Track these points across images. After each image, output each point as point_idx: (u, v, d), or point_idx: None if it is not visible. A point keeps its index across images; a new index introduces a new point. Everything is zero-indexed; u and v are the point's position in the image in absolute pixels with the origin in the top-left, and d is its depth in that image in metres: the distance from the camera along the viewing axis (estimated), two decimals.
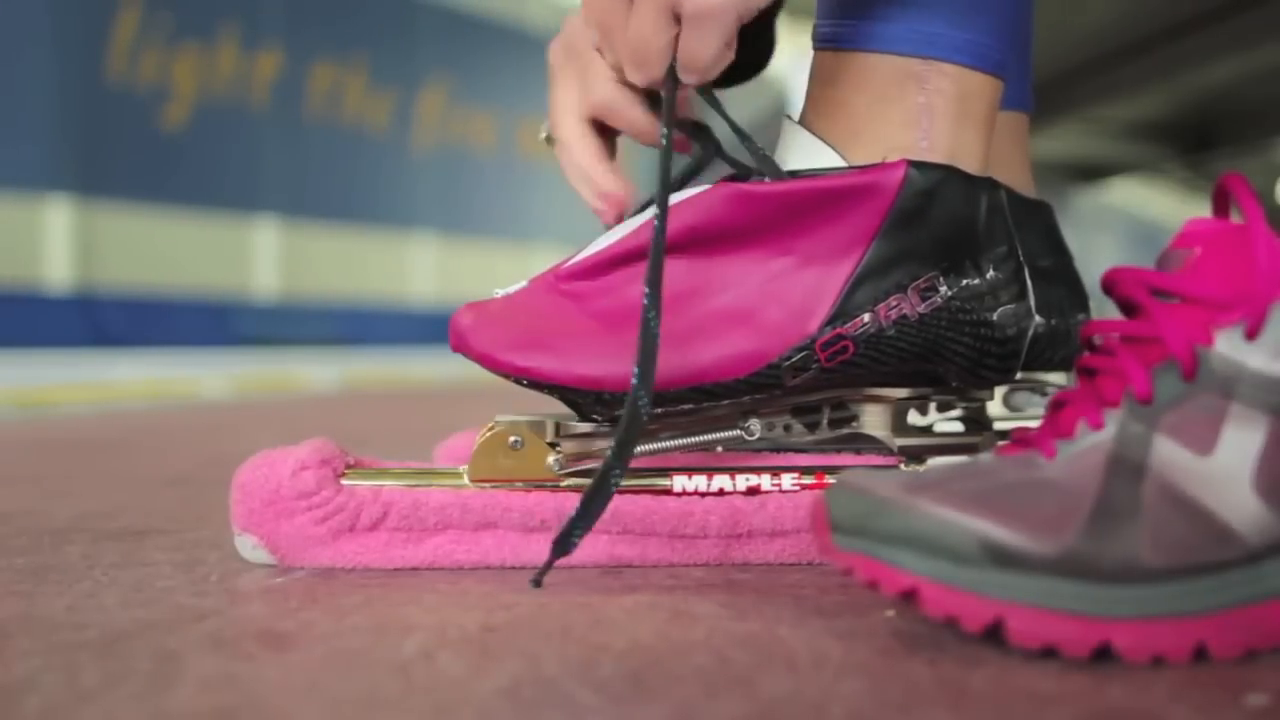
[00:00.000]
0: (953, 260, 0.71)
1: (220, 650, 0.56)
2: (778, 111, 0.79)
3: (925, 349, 0.71)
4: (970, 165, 0.71)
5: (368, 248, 9.98)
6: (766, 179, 0.71)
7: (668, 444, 0.75)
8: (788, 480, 0.75)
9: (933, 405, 0.83)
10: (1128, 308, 0.60)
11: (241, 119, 8.91)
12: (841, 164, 0.71)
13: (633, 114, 0.79)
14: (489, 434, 0.75)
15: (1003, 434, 0.83)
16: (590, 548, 0.74)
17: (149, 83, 8.25)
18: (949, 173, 0.70)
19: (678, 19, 0.65)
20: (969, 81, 0.71)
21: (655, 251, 0.65)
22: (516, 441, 0.75)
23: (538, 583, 0.67)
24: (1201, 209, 0.71)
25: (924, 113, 0.71)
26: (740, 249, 0.71)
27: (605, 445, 0.75)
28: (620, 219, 0.80)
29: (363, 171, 9.97)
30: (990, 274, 0.72)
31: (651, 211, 0.72)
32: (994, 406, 0.88)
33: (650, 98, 0.78)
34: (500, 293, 0.75)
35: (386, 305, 10.00)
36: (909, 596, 0.53)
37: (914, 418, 0.83)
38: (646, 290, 0.64)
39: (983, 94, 0.72)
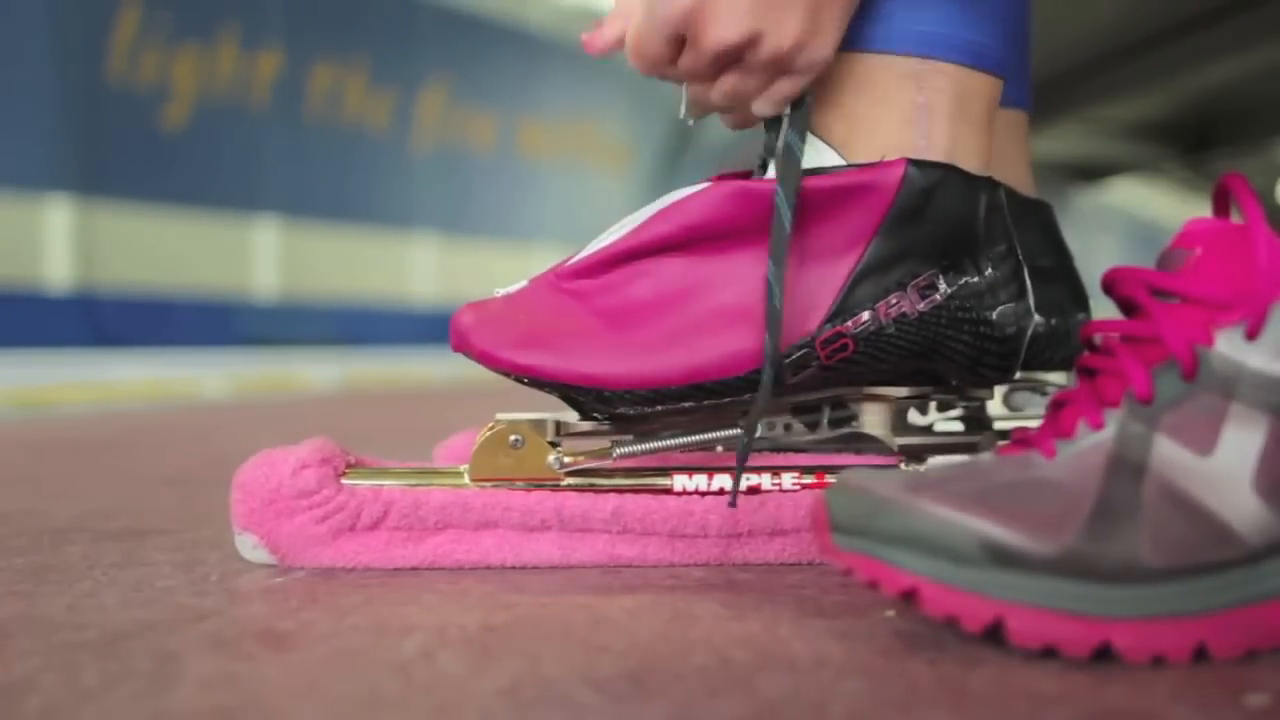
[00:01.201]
0: (952, 258, 0.71)
1: (220, 650, 0.56)
2: None
3: (925, 347, 0.71)
4: (970, 164, 0.72)
5: (368, 248, 9.99)
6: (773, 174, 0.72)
7: (668, 442, 0.75)
8: (788, 480, 0.75)
9: (933, 404, 0.83)
10: (1128, 307, 0.60)
11: (241, 119, 8.92)
12: (841, 163, 0.71)
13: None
14: (490, 433, 0.75)
15: (1003, 434, 0.83)
16: (590, 547, 0.74)
17: (149, 83, 8.27)
18: (948, 171, 0.70)
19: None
20: (968, 80, 0.71)
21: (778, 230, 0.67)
22: (517, 440, 0.75)
23: None
24: (1201, 209, 0.71)
25: (922, 112, 0.71)
26: (740, 247, 0.71)
27: (605, 444, 0.75)
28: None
29: (363, 171, 9.99)
30: (989, 272, 0.72)
31: (650, 211, 0.73)
32: (994, 406, 0.88)
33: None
34: (501, 292, 0.75)
35: (387, 305, 10.02)
36: (909, 596, 0.53)
37: (914, 417, 0.83)
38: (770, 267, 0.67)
39: (982, 93, 0.72)
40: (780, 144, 0.70)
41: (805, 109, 0.70)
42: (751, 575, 0.73)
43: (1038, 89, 0.98)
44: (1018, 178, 0.91)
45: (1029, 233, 0.83)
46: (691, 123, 0.78)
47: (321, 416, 2.64)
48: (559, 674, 0.51)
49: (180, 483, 1.26)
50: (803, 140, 0.70)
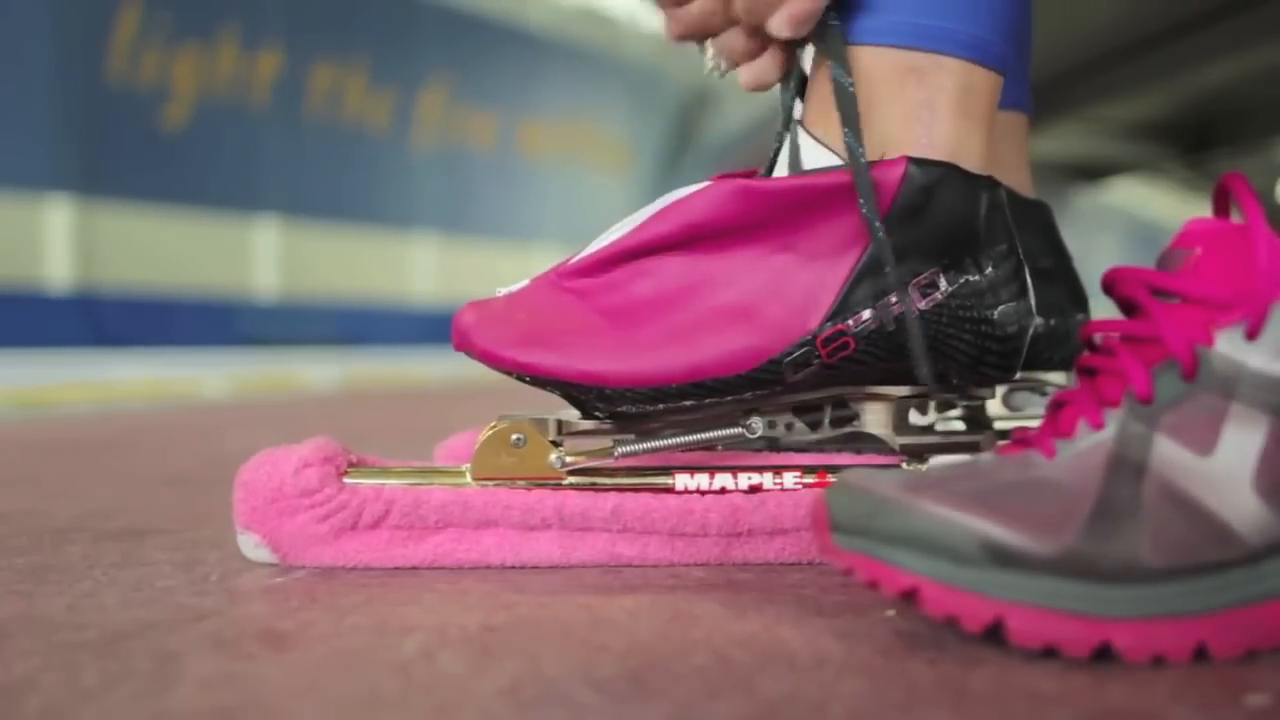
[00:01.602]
0: (953, 257, 0.71)
1: (220, 650, 0.56)
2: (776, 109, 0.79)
3: (926, 346, 0.71)
4: (971, 162, 0.71)
5: (368, 248, 10.02)
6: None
7: (670, 441, 0.75)
8: (789, 479, 0.75)
9: (933, 404, 0.83)
10: (1128, 307, 0.60)
11: (241, 119, 8.95)
12: (840, 162, 0.71)
13: None
14: (491, 431, 0.76)
15: (1003, 433, 0.83)
16: (590, 546, 0.75)
17: (149, 83, 8.29)
18: (949, 170, 0.70)
19: None
20: (971, 76, 0.71)
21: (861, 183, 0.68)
22: (519, 439, 0.75)
23: None
24: (1202, 209, 0.71)
25: (925, 108, 0.70)
26: (741, 245, 0.72)
27: (608, 443, 0.76)
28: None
29: (363, 171, 10.02)
30: (990, 271, 0.72)
31: (651, 210, 0.73)
32: (994, 406, 0.88)
33: None
34: (503, 291, 0.75)
35: (387, 305, 10.05)
36: (909, 596, 0.53)
37: (915, 417, 0.83)
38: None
39: (984, 89, 0.72)
40: (831, 85, 0.70)
41: (836, 35, 0.70)
42: (751, 575, 0.73)
43: (1037, 89, 0.98)
44: (1017, 180, 0.91)
45: (1029, 234, 0.83)
46: (721, 75, 0.77)
47: (321, 416, 2.64)
48: (559, 674, 0.51)
49: (180, 483, 1.26)
50: (848, 75, 0.69)
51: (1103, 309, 0.73)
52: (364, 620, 0.61)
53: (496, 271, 10.73)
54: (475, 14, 10.88)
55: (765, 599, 0.66)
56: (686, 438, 0.76)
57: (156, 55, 8.35)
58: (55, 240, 7.69)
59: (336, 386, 4.26)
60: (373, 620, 0.61)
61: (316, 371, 4.84)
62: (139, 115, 8.23)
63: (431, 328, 9.13)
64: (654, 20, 13.97)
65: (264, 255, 9.16)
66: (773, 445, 0.79)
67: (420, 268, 10.55)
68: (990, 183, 0.72)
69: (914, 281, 0.70)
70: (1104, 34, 2.50)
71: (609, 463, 0.76)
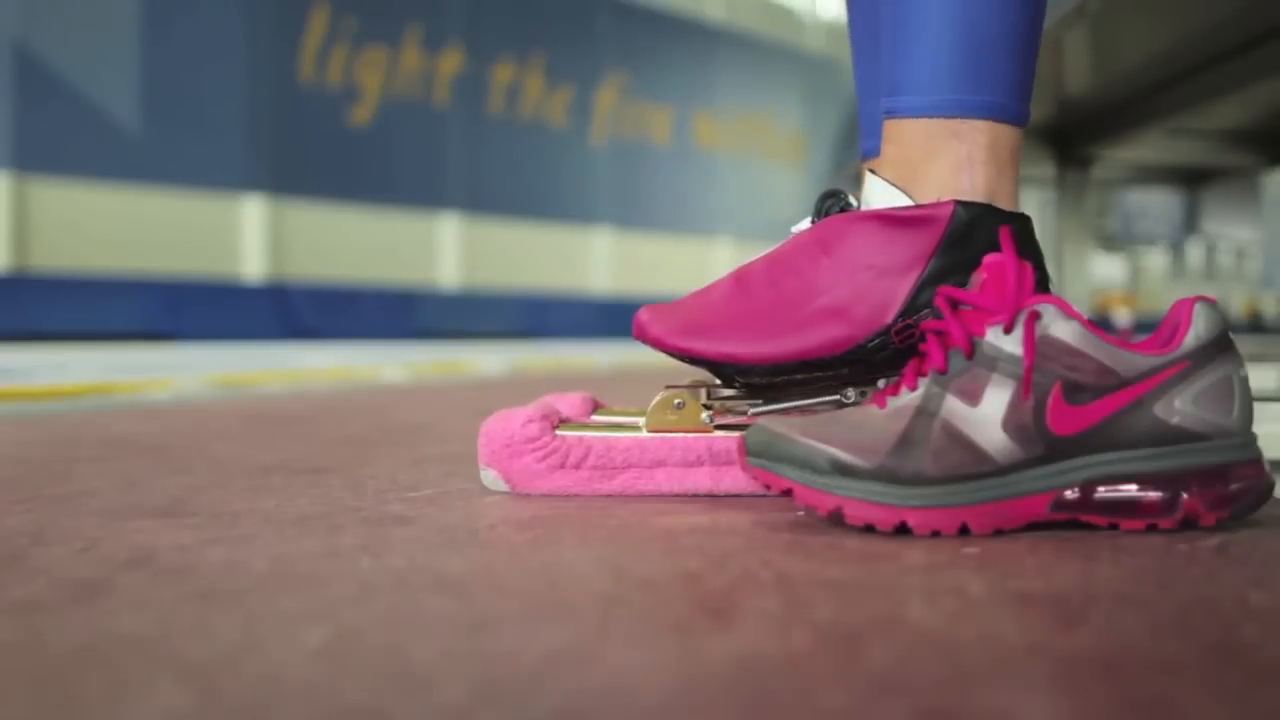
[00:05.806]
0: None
1: (365, 525, 0.80)
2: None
3: None
4: (1003, 200, 0.89)
5: (547, 241, 9.98)
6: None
7: (787, 405, 0.97)
8: None
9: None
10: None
11: (424, 117, 8.94)
12: (909, 202, 0.90)
13: None
14: (660, 397, 0.98)
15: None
16: (734, 478, 0.96)
17: (337, 84, 8.34)
18: (985, 209, 0.88)
19: None
20: (995, 132, 0.88)
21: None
22: (680, 403, 0.98)
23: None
24: None
25: (965, 160, 0.88)
26: (837, 261, 0.92)
27: (747, 404, 0.97)
28: None
29: (542, 167, 9.91)
30: None
31: (788, 237, 0.96)
32: None
33: None
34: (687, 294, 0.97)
35: (564, 297, 9.94)
36: (787, 494, 0.80)
37: None
38: None
39: (1007, 141, 0.89)
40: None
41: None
42: (735, 513, 0.90)
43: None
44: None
45: None
46: None
47: (494, 396, 2.71)
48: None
49: (354, 442, 1.47)
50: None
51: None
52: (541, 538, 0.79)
53: (672, 263, 10.72)
54: (650, 7, 10.57)
55: (742, 524, 0.87)
56: (800, 402, 0.96)
57: (343, 57, 8.35)
58: (250, 236, 7.79)
59: (506, 372, 4.26)
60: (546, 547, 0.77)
61: (488, 360, 4.84)
62: (327, 115, 8.21)
63: (607, 318, 9.05)
64: (831, 9, 13.39)
65: (447, 249, 9.11)
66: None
67: (597, 261, 10.50)
68: (1020, 217, 0.90)
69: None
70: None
71: (745, 420, 0.96)
